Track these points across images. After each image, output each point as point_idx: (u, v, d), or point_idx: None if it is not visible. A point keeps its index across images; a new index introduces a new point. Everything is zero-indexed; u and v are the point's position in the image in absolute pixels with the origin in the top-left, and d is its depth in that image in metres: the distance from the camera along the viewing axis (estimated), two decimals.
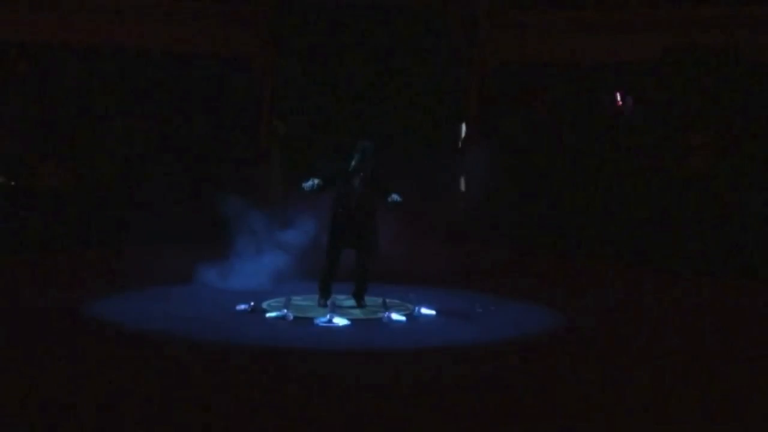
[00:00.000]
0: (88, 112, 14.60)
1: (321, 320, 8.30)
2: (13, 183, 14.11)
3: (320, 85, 14.90)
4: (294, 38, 15.11)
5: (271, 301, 9.08)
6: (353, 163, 8.92)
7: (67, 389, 5.96)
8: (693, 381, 6.68)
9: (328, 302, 8.71)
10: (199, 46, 14.90)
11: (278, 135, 14.89)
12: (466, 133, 13.31)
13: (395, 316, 8.59)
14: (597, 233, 13.47)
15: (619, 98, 14.74)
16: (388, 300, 9.02)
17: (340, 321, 8.30)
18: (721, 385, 6.55)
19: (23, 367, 6.43)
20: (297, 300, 9.06)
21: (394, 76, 14.90)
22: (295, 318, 8.44)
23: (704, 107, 14.05)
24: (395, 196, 8.83)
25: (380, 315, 8.64)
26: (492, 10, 14.94)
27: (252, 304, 8.76)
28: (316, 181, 8.88)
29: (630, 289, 10.92)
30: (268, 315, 8.57)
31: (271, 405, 5.82)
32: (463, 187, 11.59)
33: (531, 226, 13.78)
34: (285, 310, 8.50)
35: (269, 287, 9.44)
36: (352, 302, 9.13)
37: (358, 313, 8.83)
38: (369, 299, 9.16)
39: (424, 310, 8.91)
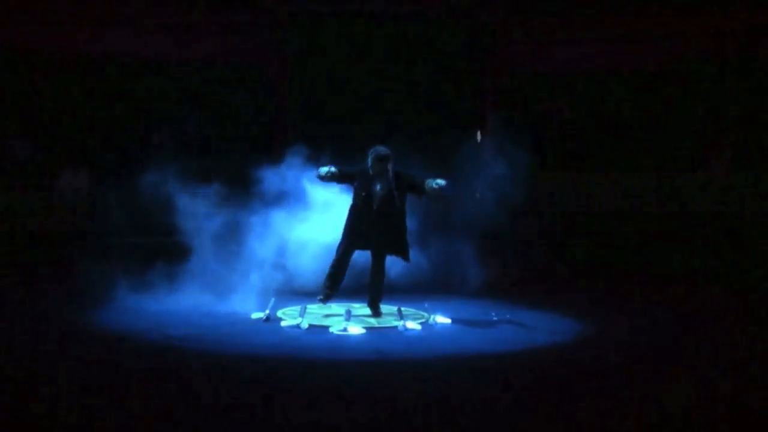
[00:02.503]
0: (106, 121, 14.70)
1: (336, 329, 8.31)
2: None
3: (335, 93, 14.93)
4: (309, 46, 15.15)
5: (286, 310, 9.11)
6: (371, 168, 8.91)
7: (85, 399, 6.00)
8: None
9: (344, 311, 8.72)
10: (215, 56, 14.98)
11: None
12: (481, 140, 13.27)
13: (410, 325, 8.59)
14: (614, 242, 13.40)
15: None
16: (403, 308, 9.03)
17: (355, 330, 8.31)
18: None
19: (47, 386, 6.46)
20: (312, 308, 9.07)
21: (408, 84, 14.92)
22: (310, 326, 8.45)
23: (722, 114, 13.99)
24: (439, 180, 8.63)
25: (395, 324, 8.64)
26: (507, 18, 14.93)
27: (267, 312, 8.79)
28: (333, 168, 8.83)
29: (652, 300, 10.80)
30: (283, 323, 8.59)
31: (285, 414, 5.83)
32: (478, 194, 11.54)
33: (548, 234, 13.74)
34: (300, 319, 8.52)
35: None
36: (367, 311, 9.14)
37: (373, 321, 8.84)
38: (384, 307, 9.16)
39: (440, 319, 8.91)
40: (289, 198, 9.56)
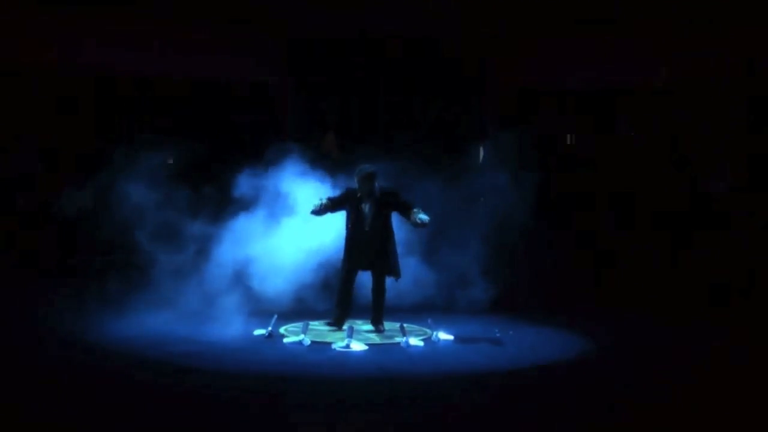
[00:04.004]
0: (106, 137, 14.68)
1: (338, 345, 8.29)
2: (21, 202, 14.12)
3: (336, 111, 14.94)
4: (311, 65, 15.16)
5: (289, 326, 9.09)
6: (358, 188, 8.92)
7: (86, 416, 5.98)
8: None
9: (346, 327, 8.69)
10: (216, 72, 14.99)
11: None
12: (484, 156, 13.33)
13: (413, 341, 8.56)
14: (618, 259, 13.33)
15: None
16: (405, 325, 9.01)
17: (357, 346, 8.28)
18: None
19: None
20: (315, 325, 9.05)
21: (411, 101, 14.93)
22: (313, 343, 8.43)
23: (723, 131, 13.97)
24: (422, 216, 8.72)
25: (398, 340, 8.61)
26: (509, 35, 14.94)
27: (270, 329, 8.76)
28: (323, 200, 8.86)
29: (655, 319, 10.72)
30: (285, 340, 8.57)
31: (287, 431, 5.81)
32: (482, 200, 11.58)
33: (551, 249, 13.66)
34: (303, 336, 8.50)
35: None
36: (370, 327, 9.12)
37: (375, 338, 8.81)
38: (387, 324, 9.14)
39: (442, 335, 8.88)
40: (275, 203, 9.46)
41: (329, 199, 8.94)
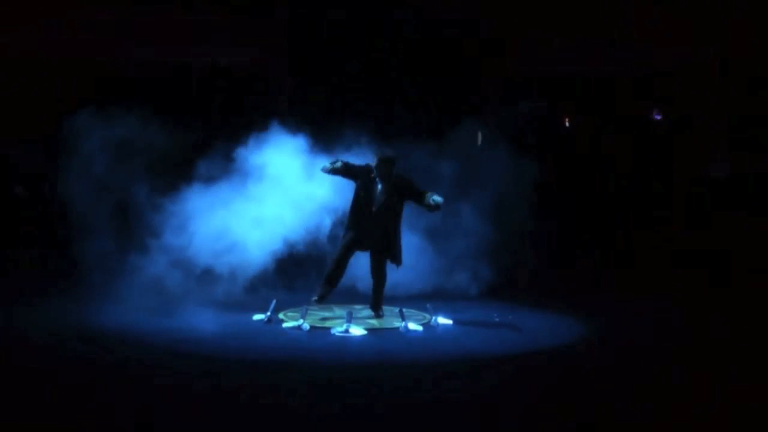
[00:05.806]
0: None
1: (337, 330, 8.28)
2: (21, 191, 14.09)
3: (337, 96, 14.88)
4: (311, 50, 15.09)
5: (288, 311, 9.08)
6: (375, 170, 8.88)
7: (84, 407, 5.98)
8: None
9: (346, 312, 8.67)
10: (214, 61, 14.94)
11: None
12: (483, 139, 13.29)
13: (412, 326, 8.56)
14: (623, 243, 13.33)
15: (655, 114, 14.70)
16: (405, 309, 9.00)
17: (356, 331, 8.28)
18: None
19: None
20: (314, 310, 9.03)
21: (411, 85, 14.87)
22: (312, 328, 8.43)
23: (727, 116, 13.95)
24: (436, 197, 8.65)
25: (397, 325, 8.61)
26: (519, 21, 14.87)
27: (269, 314, 8.75)
28: (338, 163, 8.76)
29: (659, 300, 10.72)
30: (284, 325, 8.57)
31: (286, 416, 5.80)
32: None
33: (551, 234, 13.65)
34: (302, 321, 8.49)
35: None
36: (369, 312, 9.11)
37: (374, 323, 8.81)
38: (386, 309, 9.14)
39: (441, 320, 8.88)
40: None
41: (345, 163, 8.82)
